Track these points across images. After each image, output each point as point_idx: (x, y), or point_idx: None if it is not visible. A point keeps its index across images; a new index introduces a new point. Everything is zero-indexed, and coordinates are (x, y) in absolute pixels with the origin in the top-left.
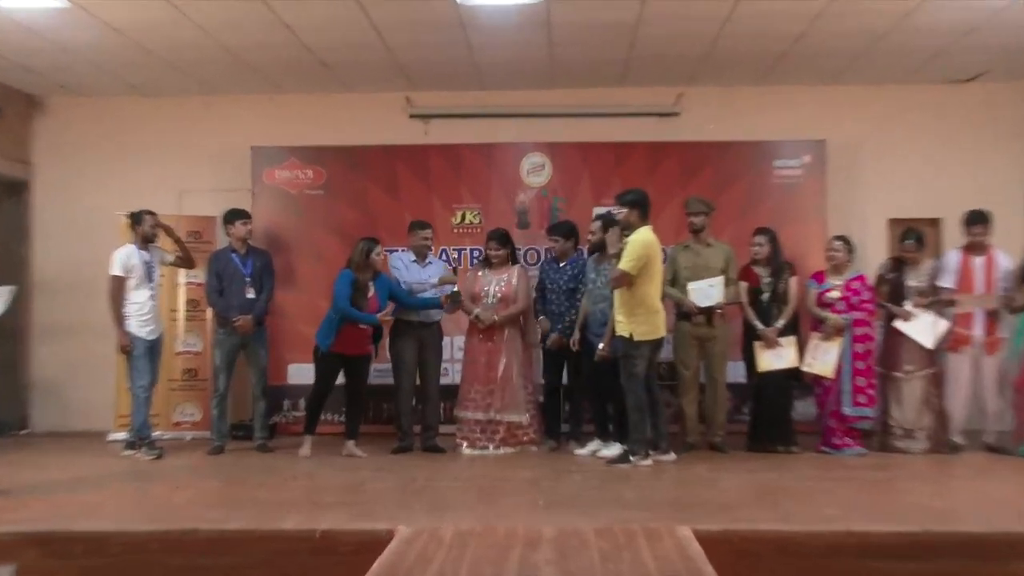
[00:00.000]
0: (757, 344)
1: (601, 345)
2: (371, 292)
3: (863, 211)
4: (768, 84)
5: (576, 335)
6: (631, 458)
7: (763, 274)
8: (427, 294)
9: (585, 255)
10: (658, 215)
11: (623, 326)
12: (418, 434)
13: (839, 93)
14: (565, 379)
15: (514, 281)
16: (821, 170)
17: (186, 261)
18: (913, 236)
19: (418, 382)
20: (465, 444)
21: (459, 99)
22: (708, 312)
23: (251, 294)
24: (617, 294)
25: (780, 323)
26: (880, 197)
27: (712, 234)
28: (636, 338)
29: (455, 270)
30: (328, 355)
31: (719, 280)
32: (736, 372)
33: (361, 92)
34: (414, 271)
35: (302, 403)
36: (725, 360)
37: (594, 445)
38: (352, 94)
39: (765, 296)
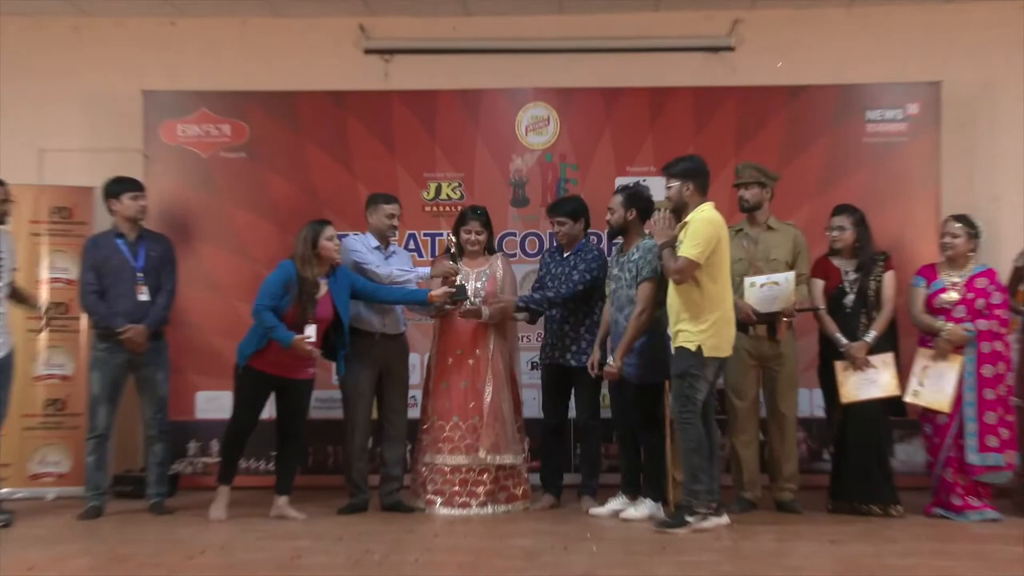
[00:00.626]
0: (839, 365)
1: (611, 359)
2: (322, 292)
3: (992, 181)
4: (857, 4)
5: (596, 354)
6: (688, 519)
7: (846, 269)
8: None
9: (602, 242)
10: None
11: (688, 335)
12: (376, 488)
13: (961, 14)
14: (572, 411)
15: (499, 274)
16: (933, 124)
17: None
18: None
19: (376, 415)
20: (439, 501)
21: (432, 27)
22: (771, 321)
23: (144, 296)
24: (675, 293)
25: (871, 336)
26: (1018, 162)
27: (776, 214)
28: (707, 353)
29: (453, 254)
30: (251, 374)
31: (787, 277)
32: (811, 403)
33: (298, 16)
34: (377, 261)
35: (216, 445)
36: (795, 387)
37: (617, 503)
38: (286, 19)
39: (849, 299)
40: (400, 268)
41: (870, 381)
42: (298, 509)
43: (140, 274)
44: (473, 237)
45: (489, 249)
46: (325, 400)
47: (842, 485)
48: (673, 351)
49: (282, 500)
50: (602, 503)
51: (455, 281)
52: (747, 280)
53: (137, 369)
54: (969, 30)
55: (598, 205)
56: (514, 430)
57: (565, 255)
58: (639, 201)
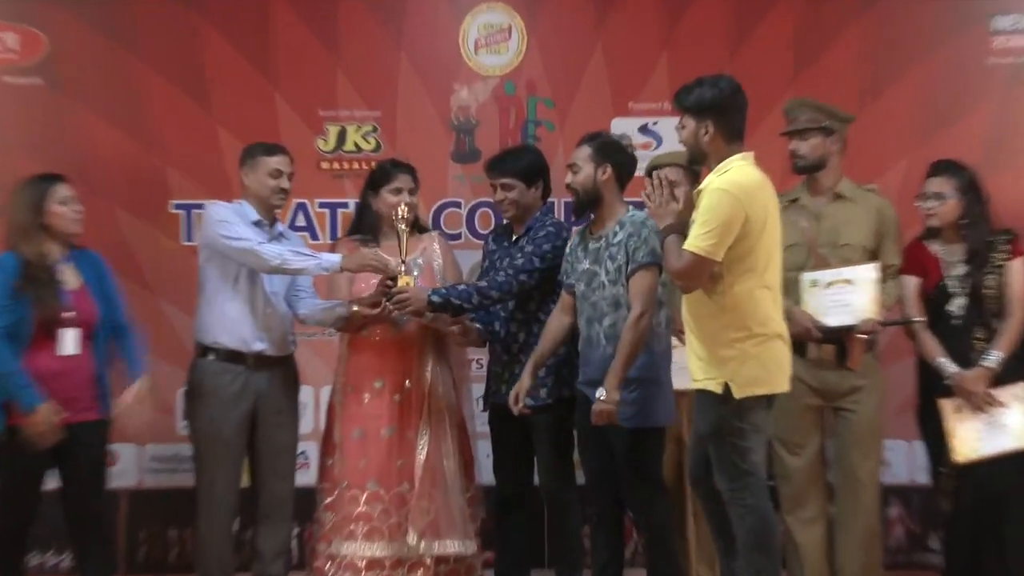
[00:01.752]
0: (948, 406)
1: (600, 392)
2: (71, 283)
3: None
4: None
5: (525, 381)
6: None
7: (950, 258)
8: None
9: (566, 219)
10: (750, 133)
11: (706, 369)
12: None
13: None
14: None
15: (437, 262)
16: None
17: None
18: None
19: (249, 481)
20: None
21: None
22: (841, 339)
23: None
24: (688, 305)
25: (993, 358)
26: None
27: (851, 175)
28: (738, 393)
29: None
30: (11, 434)
31: (866, 272)
32: (907, 463)
33: None
34: (257, 237)
35: None
36: (878, 439)
37: None
38: None
39: (957, 303)
40: (294, 250)
41: (996, 427)
42: None
43: None
44: (407, 199)
45: (418, 227)
46: (167, 459)
47: None
48: (695, 398)
49: None
50: None
51: (390, 284)
52: (806, 277)
53: None
54: None
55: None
56: (462, 502)
57: (515, 238)
58: (617, 154)
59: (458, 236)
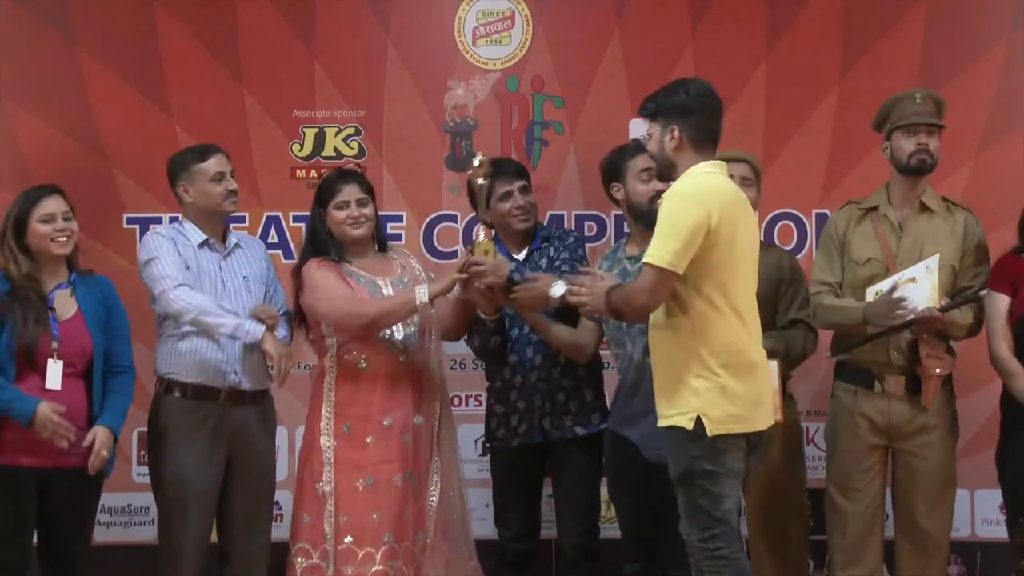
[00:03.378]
0: None
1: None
2: (68, 310)
3: None
4: None
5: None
6: None
7: None
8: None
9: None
10: (792, 133)
11: (671, 401)
12: None
13: None
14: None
15: (422, 279)
16: None
17: None
18: None
19: (215, 536)
20: None
21: None
22: (913, 370)
23: None
24: (651, 330)
25: None
26: None
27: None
28: (712, 430)
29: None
30: None
31: (933, 260)
32: (968, 512)
33: None
34: (207, 268)
35: None
36: (950, 486)
37: None
38: None
39: None
40: (216, 307)
41: None
42: None
43: None
44: (355, 211)
45: (380, 244)
46: (120, 510)
47: None
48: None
49: None
50: None
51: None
52: (870, 291)
53: None
54: None
55: (596, 169)
56: (469, 554)
57: (523, 254)
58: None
59: (453, 255)
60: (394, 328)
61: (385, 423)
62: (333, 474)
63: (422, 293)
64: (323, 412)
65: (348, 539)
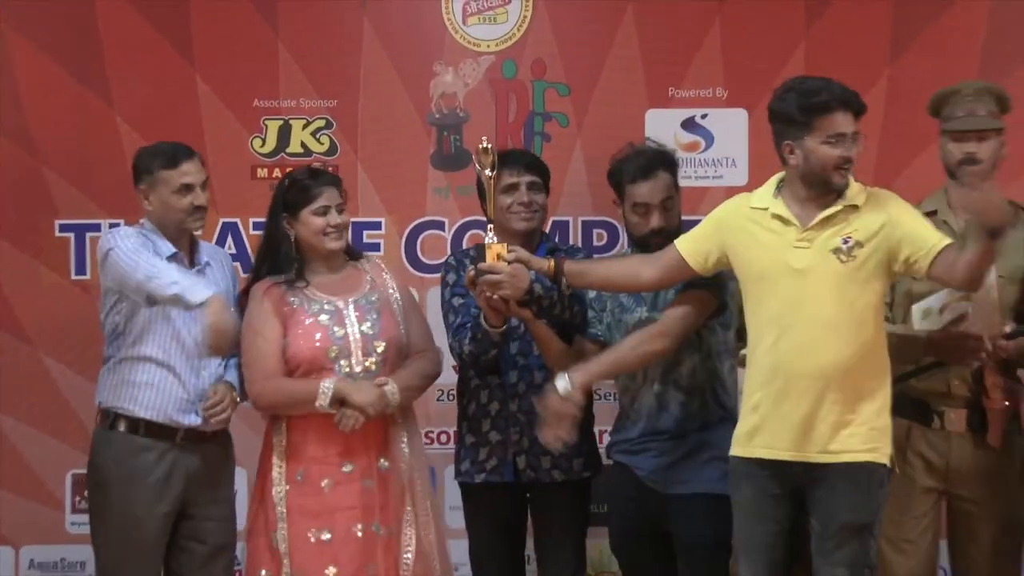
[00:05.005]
0: None
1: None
2: None
3: None
4: None
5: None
6: None
7: None
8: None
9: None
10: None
11: (866, 437)
12: None
13: None
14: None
15: (395, 298)
16: None
17: None
18: None
19: None
20: None
21: None
22: (980, 404)
23: None
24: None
25: None
26: None
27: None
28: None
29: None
30: None
31: (989, 275)
32: None
33: None
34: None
35: None
36: (1018, 544)
37: None
38: None
39: None
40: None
41: None
42: None
43: None
44: (335, 219)
45: (350, 252)
46: (50, 566)
47: None
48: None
49: None
50: None
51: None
52: (915, 309)
53: None
54: None
55: (604, 169)
56: None
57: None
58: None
59: (438, 268)
60: (352, 361)
61: (344, 469)
62: (287, 525)
63: (325, 392)
64: (274, 458)
65: None
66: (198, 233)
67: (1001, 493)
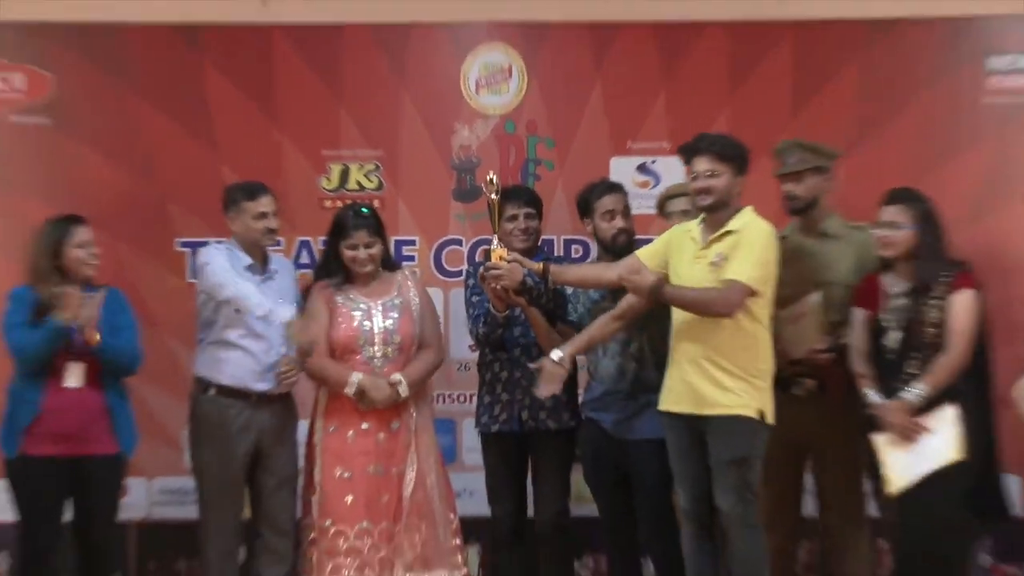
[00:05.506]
0: (879, 439)
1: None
2: (89, 313)
3: None
4: None
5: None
6: None
7: (891, 290)
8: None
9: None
10: (751, 171)
11: (735, 396)
12: None
13: None
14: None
15: (414, 303)
16: None
17: None
18: None
19: (249, 512)
20: None
21: None
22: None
23: None
24: (701, 333)
25: (915, 392)
26: None
27: (847, 213)
28: (770, 420)
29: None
30: (28, 465)
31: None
32: None
33: None
34: (245, 289)
35: (4, 562)
36: (856, 472)
37: None
38: None
39: (892, 337)
40: (282, 301)
41: (920, 453)
42: None
43: None
44: (362, 254)
45: (387, 265)
46: (175, 491)
47: None
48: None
49: None
50: None
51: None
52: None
53: None
54: None
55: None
56: (448, 534)
57: None
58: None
59: (459, 273)
60: (375, 348)
61: (363, 426)
62: (322, 464)
63: (352, 384)
64: (317, 415)
65: (328, 520)
66: (272, 248)
67: (839, 433)
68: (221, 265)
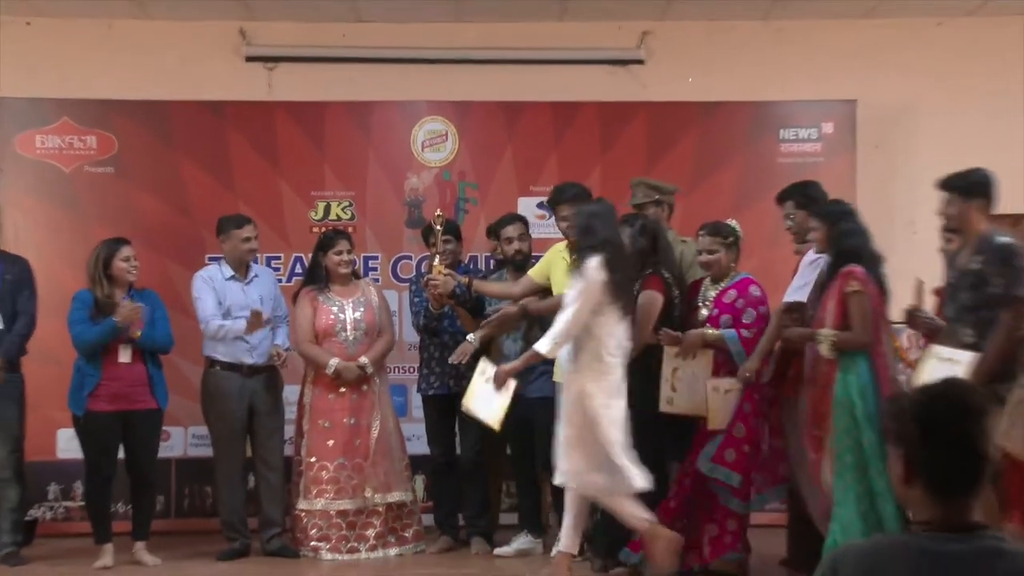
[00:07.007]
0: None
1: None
2: (133, 308)
3: (908, 206)
4: (773, 18)
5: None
6: None
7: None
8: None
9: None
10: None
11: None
12: (257, 531)
13: (877, 31)
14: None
15: (375, 301)
16: (849, 145)
17: None
18: None
19: (250, 453)
20: (325, 547)
21: (319, 34)
22: None
23: None
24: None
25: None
26: (934, 187)
27: (690, 232)
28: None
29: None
30: (92, 420)
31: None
32: None
33: (171, 19)
34: (234, 292)
35: (80, 487)
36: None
37: (524, 541)
38: (159, 22)
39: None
40: (242, 307)
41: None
42: (164, 554)
43: None
44: (345, 257)
45: (356, 275)
46: (204, 436)
47: None
48: None
49: (138, 545)
50: (490, 542)
51: (448, 287)
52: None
53: None
54: (885, 49)
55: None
56: (402, 467)
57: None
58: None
59: (408, 280)
60: (348, 333)
61: (340, 390)
62: (309, 417)
63: (330, 366)
64: (307, 382)
65: (313, 457)
66: (255, 262)
67: None
68: (204, 303)
